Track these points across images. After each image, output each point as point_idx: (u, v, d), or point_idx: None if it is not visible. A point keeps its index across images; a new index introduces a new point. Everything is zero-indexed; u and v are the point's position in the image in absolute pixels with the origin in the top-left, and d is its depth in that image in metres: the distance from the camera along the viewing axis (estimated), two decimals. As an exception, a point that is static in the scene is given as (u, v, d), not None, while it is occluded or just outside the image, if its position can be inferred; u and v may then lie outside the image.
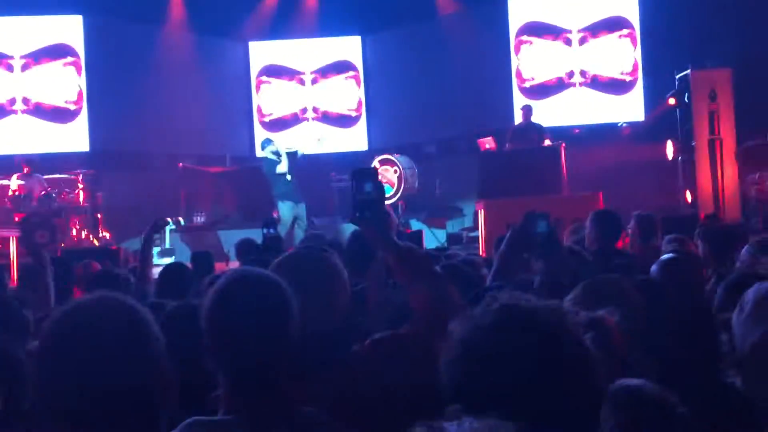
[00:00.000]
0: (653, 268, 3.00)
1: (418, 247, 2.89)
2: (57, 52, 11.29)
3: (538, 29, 11.54)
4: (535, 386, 0.98)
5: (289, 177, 8.66)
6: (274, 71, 12.76)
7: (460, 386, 1.03)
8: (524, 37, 11.56)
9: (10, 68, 11.26)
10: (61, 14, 11.22)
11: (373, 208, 2.06)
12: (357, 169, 2.17)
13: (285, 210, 8.65)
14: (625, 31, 11.36)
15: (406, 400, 1.67)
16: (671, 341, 1.81)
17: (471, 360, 1.03)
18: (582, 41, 11.48)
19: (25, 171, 10.06)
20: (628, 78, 11.38)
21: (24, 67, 11.28)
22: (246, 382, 1.51)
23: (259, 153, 9.46)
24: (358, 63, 12.82)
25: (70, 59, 11.31)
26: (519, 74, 11.55)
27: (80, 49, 11.27)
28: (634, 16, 11.31)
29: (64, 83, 11.33)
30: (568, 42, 11.51)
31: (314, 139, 10.02)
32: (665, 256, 3.07)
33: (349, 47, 12.86)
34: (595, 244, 3.93)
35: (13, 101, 11.23)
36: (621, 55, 11.39)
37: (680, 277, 2.80)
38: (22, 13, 11.07)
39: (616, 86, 11.41)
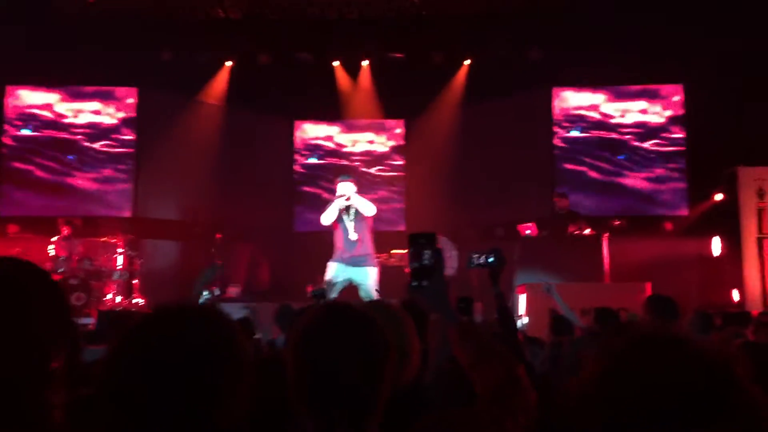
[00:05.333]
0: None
1: (479, 323, 2.70)
2: (112, 118, 11.62)
3: (580, 124, 11.59)
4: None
5: (353, 238, 7.41)
6: (318, 149, 12.95)
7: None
8: (566, 132, 11.61)
9: (68, 134, 11.59)
10: (118, 86, 11.60)
11: (432, 276, 1.93)
12: (415, 234, 2.00)
13: (329, 270, 7.60)
14: (669, 126, 11.33)
15: None
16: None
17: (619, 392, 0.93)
18: (625, 137, 11.48)
19: (65, 233, 10.17)
20: (671, 172, 11.27)
21: (80, 133, 11.60)
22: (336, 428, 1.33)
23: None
24: (400, 144, 12.97)
25: (123, 129, 11.61)
26: (559, 159, 11.52)
27: (133, 119, 11.59)
28: (679, 110, 11.29)
29: (116, 152, 11.58)
30: (613, 133, 11.53)
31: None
32: (741, 341, 2.90)
33: (392, 129, 13.03)
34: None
35: (64, 163, 11.50)
36: (665, 150, 11.33)
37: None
38: (84, 83, 11.52)
39: (660, 179, 11.30)
